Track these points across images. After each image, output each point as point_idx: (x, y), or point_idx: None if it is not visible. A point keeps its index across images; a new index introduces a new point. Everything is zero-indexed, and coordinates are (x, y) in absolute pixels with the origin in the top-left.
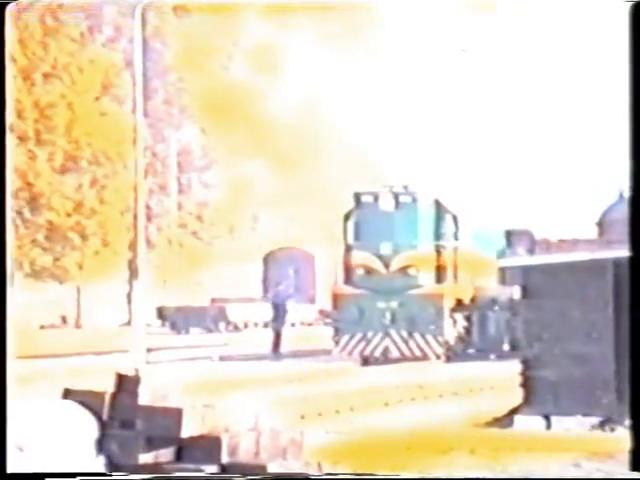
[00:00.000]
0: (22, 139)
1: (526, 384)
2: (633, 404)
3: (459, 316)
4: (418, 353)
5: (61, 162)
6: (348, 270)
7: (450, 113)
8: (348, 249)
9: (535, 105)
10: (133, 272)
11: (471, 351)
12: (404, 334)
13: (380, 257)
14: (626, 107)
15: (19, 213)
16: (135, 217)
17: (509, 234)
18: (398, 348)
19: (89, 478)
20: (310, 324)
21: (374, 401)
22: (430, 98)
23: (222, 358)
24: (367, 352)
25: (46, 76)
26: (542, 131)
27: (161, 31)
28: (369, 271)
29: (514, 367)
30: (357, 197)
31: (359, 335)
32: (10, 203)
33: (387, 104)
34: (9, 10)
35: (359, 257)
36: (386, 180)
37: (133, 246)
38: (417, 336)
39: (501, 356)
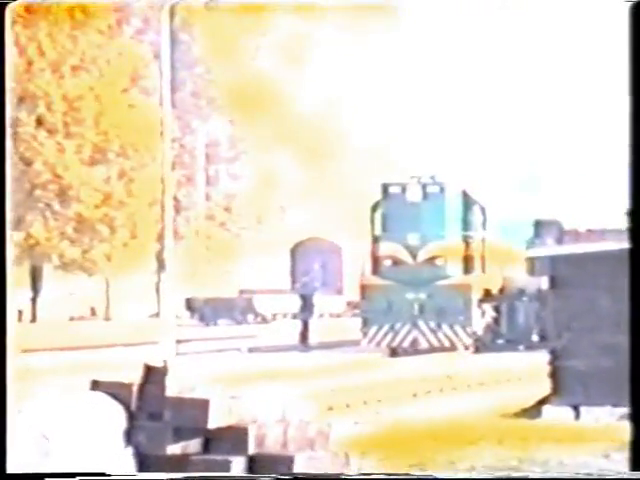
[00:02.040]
0: (51, 132)
1: (555, 374)
2: (633, 400)
3: (487, 307)
4: (446, 344)
5: (89, 154)
6: (376, 261)
7: (477, 104)
8: (375, 240)
9: (561, 96)
10: (161, 264)
11: (500, 342)
12: (432, 325)
13: (408, 248)
14: (626, 107)
15: (48, 205)
16: (163, 209)
17: (537, 224)
18: (426, 339)
19: (89, 478)
20: (338, 315)
21: (402, 392)
22: (457, 89)
23: (250, 350)
24: (395, 343)
25: (74, 69)
26: (571, 121)
27: (189, 23)
28: (397, 262)
29: (543, 357)
30: (385, 188)
31: (387, 326)
32: (35, 197)
33: (414, 95)
34: (10, 8)
35: (386, 248)
36: (413, 171)
37: (161, 238)
38: (445, 327)
39: (530, 346)
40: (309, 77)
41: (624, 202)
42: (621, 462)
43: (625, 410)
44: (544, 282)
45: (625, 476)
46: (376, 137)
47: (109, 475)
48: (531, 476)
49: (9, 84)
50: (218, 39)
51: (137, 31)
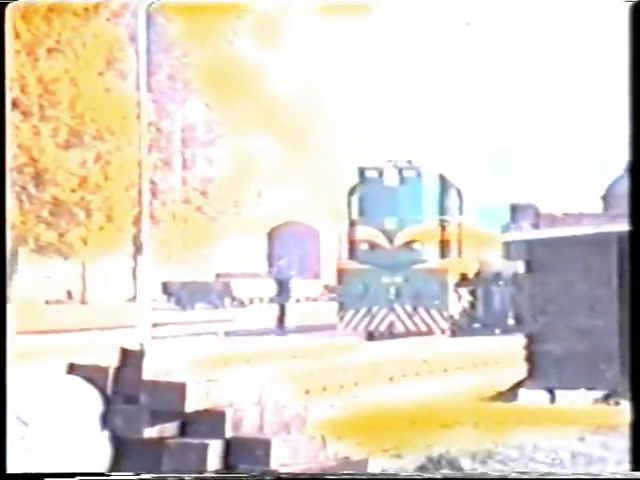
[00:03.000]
0: (26, 115)
1: (530, 358)
2: (633, 400)
3: (464, 291)
4: (423, 328)
5: (65, 138)
6: (352, 245)
7: (454, 87)
8: (352, 224)
9: (540, 79)
10: (138, 247)
11: (476, 326)
12: (409, 309)
13: (384, 232)
14: (626, 107)
15: (23, 189)
16: (139, 193)
17: (514, 208)
18: (403, 323)
19: (89, 478)
20: (315, 299)
21: (379, 376)
22: (434, 72)
23: (227, 333)
24: (372, 327)
25: (50, 51)
26: (547, 105)
27: (165, 6)
28: (373, 246)
29: (518, 341)
30: (361, 172)
31: (364, 310)
32: (11, 181)
33: (391, 79)
34: (10, 8)
35: (363, 232)
36: (391, 155)
37: (138, 222)
38: (422, 311)
39: (506, 330)
40: (286, 60)
41: (600, 187)
42: (595, 445)
43: (600, 393)
44: (520, 266)
45: (625, 476)
46: (354, 120)
47: (109, 475)
48: (532, 475)
49: (9, 84)
50: (194, 22)
51: (113, 13)
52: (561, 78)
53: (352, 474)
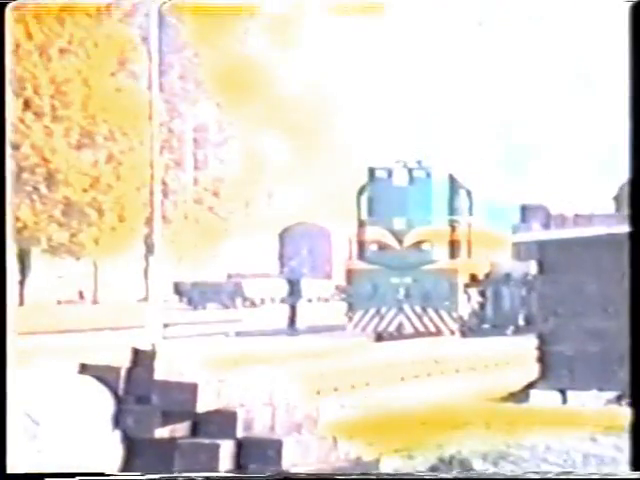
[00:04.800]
0: (38, 115)
1: (542, 359)
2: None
3: (473, 291)
4: (432, 329)
5: (77, 138)
6: (361, 245)
7: (464, 87)
8: (361, 224)
9: (551, 79)
10: (149, 248)
11: (485, 326)
12: (418, 310)
13: (394, 232)
14: (625, 107)
15: (36, 189)
16: (151, 193)
17: (524, 209)
18: (412, 324)
19: (89, 478)
20: (327, 300)
21: (390, 376)
22: (445, 72)
23: (238, 333)
24: (381, 328)
25: (62, 52)
26: (558, 106)
27: (177, 6)
28: (382, 246)
29: (530, 342)
30: (371, 172)
31: (373, 311)
32: (23, 181)
33: (402, 78)
34: (10, 8)
35: (372, 232)
36: (402, 155)
37: (149, 222)
38: (431, 312)
39: (517, 331)
40: (297, 60)
41: (611, 187)
42: (607, 446)
43: (612, 394)
44: (532, 267)
45: (625, 476)
46: (365, 120)
47: (109, 475)
48: (530, 476)
49: (9, 87)
50: (206, 22)
51: (125, 14)
52: (573, 77)
53: (361, 474)
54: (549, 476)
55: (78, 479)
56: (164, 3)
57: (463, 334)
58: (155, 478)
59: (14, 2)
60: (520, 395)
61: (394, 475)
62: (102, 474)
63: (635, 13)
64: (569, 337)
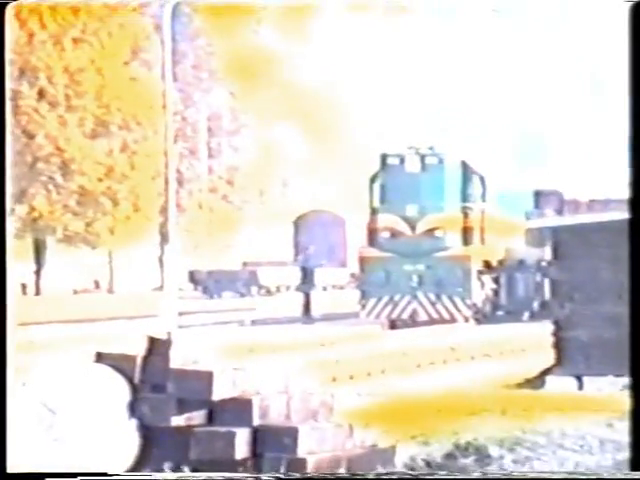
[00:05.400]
0: (53, 105)
1: (558, 345)
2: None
3: (487, 278)
4: (446, 316)
5: (92, 127)
6: (374, 233)
7: (477, 73)
8: (374, 212)
9: (566, 64)
10: (164, 236)
11: (500, 313)
12: (431, 297)
13: (406, 219)
14: (626, 107)
15: (51, 179)
16: (166, 182)
17: (537, 195)
18: (425, 311)
19: (89, 478)
20: (342, 287)
21: (406, 363)
22: (458, 58)
23: (254, 322)
24: (394, 315)
25: (76, 41)
26: (573, 91)
27: None
28: (395, 234)
29: (545, 328)
30: (383, 159)
31: (386, 298)
32: (37, 171)
33: (415, 64)
34: (10, 8)
35: (385, 220)
36: (415, 141)
37: (164, 211)
38: (445, 299)
39: (532, 317)
40: (310, 49)
41: (626, 172)
42: (624, 432)
43: (627, 380)
44: (546, 253)
45: (625, 476)
46: (378, 108)
47: (109, 475)
48: (527, 475)
49: (8, 84)
50: (219, 12)
51: (139, 3)
52: (587, 63)
53: (375, 474)
54: (547, 476)
55: (79, 479)
56: None
57: (478, 321)
58: (161, 478)
59: (14, 2)
60: (536, 381)
61: (414, 475)
62: (104, 474)
63: (635, 13)
64: (585, 323)
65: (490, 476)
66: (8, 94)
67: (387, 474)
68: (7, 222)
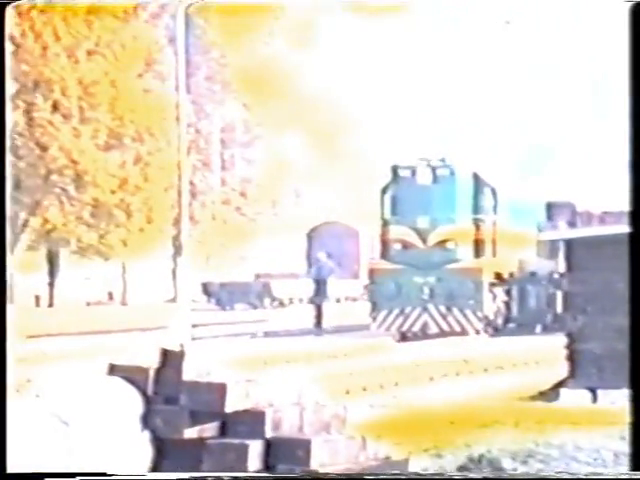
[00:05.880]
0: (66, 117)
1: (571, 357)
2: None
3: (499, 290)
4: (457, 328)
5: (105, 139)
6: (385, 245)
7: (488, 85)
8: (385, 224)
9: (577, 75)
10: (177, 248)
11: (512, 326)
12: (442, 309)
13: (417, 231)
14: (626, 108)
15: (64, 190)
16: (179, 194)
17: (549, 206)
18: (437, 323)
19: (89, 478)
20: (355, 299)
21: (419, 376)
22: (469, 70)
23: (267, 334)
24: (405, 327)
25: (90, 53)
26: (586, 101)
27: (204, 7)
28: (406, 245)
29: (559, 341)
30: (394, 170)
31: (397, 310)
32: (51, 183)
33: (426, 76)
34: (10, 8)
35: (396, 231)
36: (426, 153)
37: (177, 223)
38: (456, 311)
39: (545, 330)
40: (323, 61)
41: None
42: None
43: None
44: (559, 265)
45: (625, 476)
46: (390, 119)
47: (109, 475)
48: (531, 476)
49: (8, 84)
50: (232, 23)
51: (152, 15)
52: (595, 73)
53: (391, 474)
54: (546, 475)
55: (78, 479)
56: (190, 5)
57: (492, 333)
58: (161, 478)
59: (14, 2)
60: (550, 394)
61: (423, 475)
62: (104, 474)
63: (635, 13)
64: (598, 335)
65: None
66: (8, 95)
67: (416, 474)
68: (6, 229)
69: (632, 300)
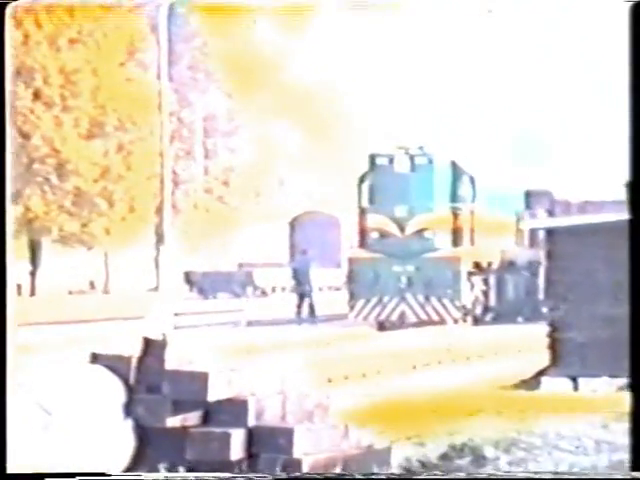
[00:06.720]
0: (48, 105)
1: (553, 346)
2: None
3: (477, 279)
4: (435, 317)
5: (87, 128)
6: (363, 234)
7: (469, 73)
8: (363, 212)
9: (560, 65)
10: (160, 237)
11: (489, 315)
12: (420, 298)
13: (395, 220)
14: (626, 108)
15: (46, 179)
16: (161, 182)
17: (528, 195)
18: (415, 313)
19: (89, 478)
20: (338, 288)
21: (401, 364)
22: (449, 58)
23: (249, 323)
24: (383, 317)
25: (71, 42)
26: (566, 90)
27: None
28: (384, 234)
29: (541, 329)
30: (372, 159)
31: (375, 300)
32: (33, 171)
33: (407, 64)
34: (10, 8)
35: (374, 220)
36: (412, 141)
37: (160, 211)
38: (434, 300)
39: (527, 318)
40: (307, 49)
41: (622, 173)
42: (619, 433)
43: (623, 381)
44: (539, 254)
45: (625, 476)
46: (375, 108)
47: (109, 475)
48: (530, 475)
49: (8, 85)
50: (215, 12)
51: (134, 4)
52: (582, 62)
53: (386, 474)
54: (545, 476)
55: (78, 479)
56: None
57: (475, 322)
58: (157, 478)
59: (14, 2)
60: (531, 382)
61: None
62: (102, 474)
63: (635, 13)
64: (579, 324)
65: (485, 476)
66: (8, 96)
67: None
68: (7, 223)
69: (631, 289)
